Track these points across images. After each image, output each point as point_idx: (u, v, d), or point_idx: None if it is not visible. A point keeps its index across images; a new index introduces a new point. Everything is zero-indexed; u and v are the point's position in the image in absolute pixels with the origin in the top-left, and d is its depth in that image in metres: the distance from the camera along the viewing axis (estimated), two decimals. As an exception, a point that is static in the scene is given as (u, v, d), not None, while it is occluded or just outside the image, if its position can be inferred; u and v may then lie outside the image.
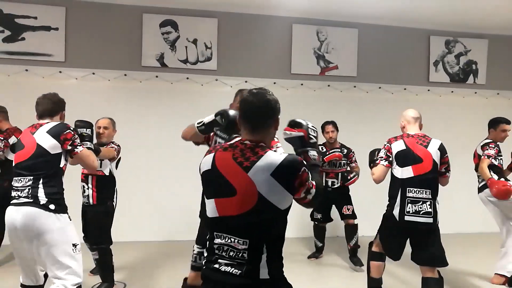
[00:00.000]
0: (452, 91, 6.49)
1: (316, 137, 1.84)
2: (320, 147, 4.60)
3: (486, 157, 3.91)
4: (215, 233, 1.62)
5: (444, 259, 3.00)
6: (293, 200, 1.63)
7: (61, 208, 2.52)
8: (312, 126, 1.85)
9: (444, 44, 6.55)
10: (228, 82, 5.77)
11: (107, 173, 3.62)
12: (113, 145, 3.67)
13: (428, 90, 6.44)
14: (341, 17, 6.08)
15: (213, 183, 1.64)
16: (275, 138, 2.34)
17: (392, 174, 3.15)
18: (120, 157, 3.78)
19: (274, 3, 5.70)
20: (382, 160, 3.16)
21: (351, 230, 4.56)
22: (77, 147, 2.60)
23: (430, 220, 2.96)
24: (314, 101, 6.01)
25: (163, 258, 4.80)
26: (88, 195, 3.59)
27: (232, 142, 1.69)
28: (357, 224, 4.57)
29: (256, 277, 1.54)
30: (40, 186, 2.46)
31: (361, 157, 4.55)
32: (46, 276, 2.67)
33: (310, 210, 4.79)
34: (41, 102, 2.68)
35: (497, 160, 3.95)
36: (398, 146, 3.11)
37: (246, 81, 5.64)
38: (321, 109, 5.84)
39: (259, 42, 6.01)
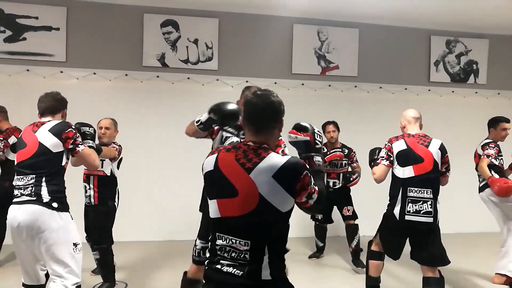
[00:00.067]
0: (452, 91, 6.49)
1: (321, 142, 1.83)
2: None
3: (485, 156, 3.91)
4: (217, 234, 1.62)
5: (445, 258, 3.00)
6: (295, 204, 1.63)
7: (64, 206, 2.53)
8: (318, 131, 1.83)
9: (445, 44, 6.55)
10: (229, 82, 5.78)
11: (108, 173, 3.63)
12: (114, 145, 3.68)
13: (429, 90, 6.44)
14: (342, 17, 6.08)
15: (215, 183, 1.64)
16: (281, 139, 2.33)
17: (393, 174, 3.15)
18: (121, 157, 3.79)
19: (275, 3, 5.70)
20: (383, 159, 3.16)
21: (352, 231, 4.55)
22: (79, 145, 2.60)
23: (430, 219, 2.97)
24: (315, 101, 6.01)
25: (163, 258, 4.80)
26: (89, 195, 3.60)
27: (235, 143, 1.69)
28: (357, 225, 4.57)
29: (258, 277, 1.54)
30: (43, 184, 2.47)
31: (361, 157, 4.54)
32: (47, 276, 2.67)
33: (311, 210, 4.78)
34: (43, 99, 2.69)
35: (497, 160, 3.95)
36: (399, 146, 3.12)
37: (247, 81, 5.64)
38: (322, 109, 5.84)
39: (260, 42, 6.01)
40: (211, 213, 1.64)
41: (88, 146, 2.78)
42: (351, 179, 4.63)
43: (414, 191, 2.99)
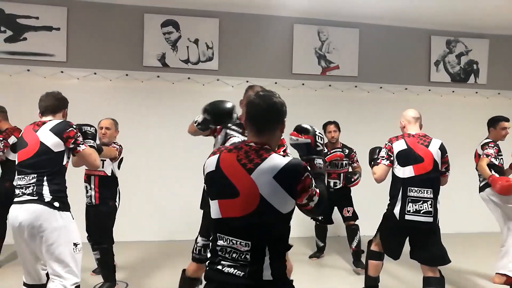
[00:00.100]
0: (453, 91, 6.49)
1: (322, 145, 1.83)
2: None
3: (485, 156, 3.92)
4: (218, 234, 1.62)
5: (445, 257, 3.01)
6: (296, 206, 1.63)
7: (65, 206, 2.54)
8: (319, 133, 1.83)
9: (445, 44, 6.56)
10: (230, 82, 5.79)
11: (109, 174, 3.63)
12: (114, 145, 3.68)
13: (429, 90, 6.44)
14: (342, 17, 6.08)
15: (216, 184, 1.64)
16: (283, 138, 2.33)
17: (393, 174, 3.15)
18: (122, 158, 3.79)
19: (275, 3, 5.70)
20: (383, 159, 3.17)
21: (352, 232, 4.55)
22: (80, 145, 2.61)
23: (430, 219, 2.97)
24: (315, 101, 6.01)
25: (163, 258, 4.80)
26: (90, 195, 3.61)
27: (237, 143, 1.69)
28: (358, 226, 4.56)
29: (259, 278, 1.55)
30: (45, 183, 2.47)
31: (362, 157, 4.54)
32: (48, 275, 2.67)
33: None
34: (44, 99, 2.69)
35: (497, 159, 3.95)
36: (399, 146, 3.12)
37: (247, 81, 5.64)
38: (322, 109, 5.85)
39: (260, 42, 6.02)
40: (212, 214, 1.65)
41: (89, 145, 2.79)
42: (352, 179, 4.62)
43: (414, 191, 3.00)
